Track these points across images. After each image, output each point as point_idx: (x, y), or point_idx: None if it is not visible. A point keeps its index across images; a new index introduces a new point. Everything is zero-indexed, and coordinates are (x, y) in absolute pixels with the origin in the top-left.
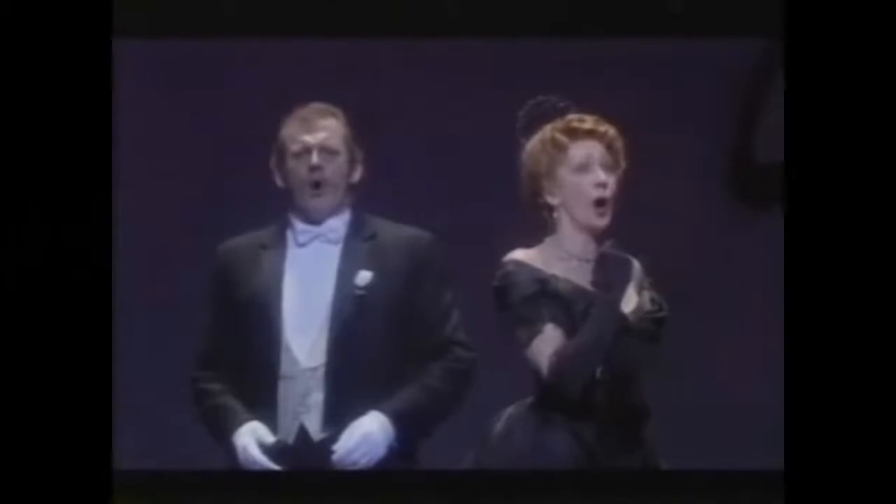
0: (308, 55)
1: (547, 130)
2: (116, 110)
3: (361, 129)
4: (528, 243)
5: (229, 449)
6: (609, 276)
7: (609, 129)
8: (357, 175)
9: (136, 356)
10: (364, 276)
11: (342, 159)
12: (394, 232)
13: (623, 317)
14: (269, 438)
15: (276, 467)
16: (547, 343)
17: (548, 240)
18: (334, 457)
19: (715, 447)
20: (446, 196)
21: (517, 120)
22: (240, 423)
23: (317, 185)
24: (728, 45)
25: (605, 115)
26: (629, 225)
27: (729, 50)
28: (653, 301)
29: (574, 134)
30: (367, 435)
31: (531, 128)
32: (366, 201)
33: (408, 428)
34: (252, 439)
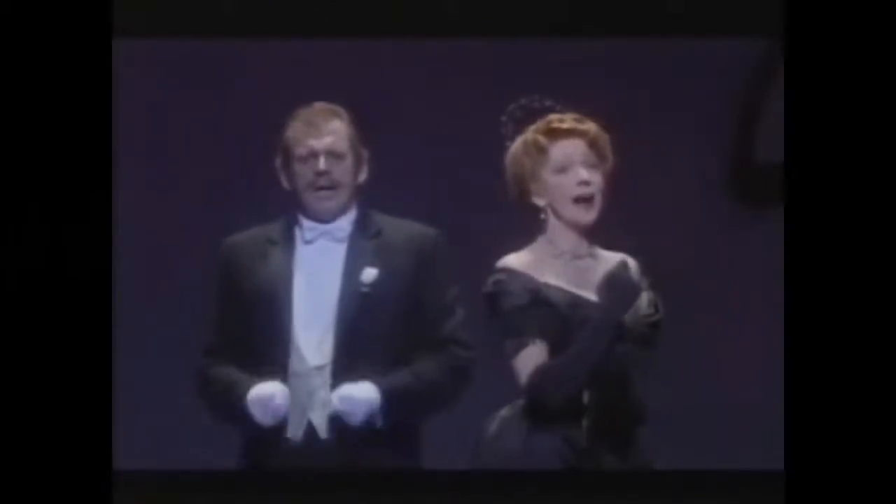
0: (308, 55)
1: (528, 132)
2: (116, 110)
3: (362, 129)
4: (526, 243)
5: (245, 415)
6: (613, 298)
7: (591, 127)
8: (363, 175)
9: (136, 356)
10: (369, 273)
11: (348, 162)
12: (399, 228)
13: (619, 324)
14: (285, 391)
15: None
16: (530, 358)
17: (540, 238)
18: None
19: (715, 447)
20: (447, 196)
21: (501, 124)
22: (251, 385)
23: (324, 189)
24: (728, 45)
25: (605, 116)
26: (629, 225)
27: (729, 50)
28: (649, 303)
29: (554, 134)
30: (351, 396)
31: (516, 130)
32: (370, 199)
33: (395, 407)
34: (268, 390)
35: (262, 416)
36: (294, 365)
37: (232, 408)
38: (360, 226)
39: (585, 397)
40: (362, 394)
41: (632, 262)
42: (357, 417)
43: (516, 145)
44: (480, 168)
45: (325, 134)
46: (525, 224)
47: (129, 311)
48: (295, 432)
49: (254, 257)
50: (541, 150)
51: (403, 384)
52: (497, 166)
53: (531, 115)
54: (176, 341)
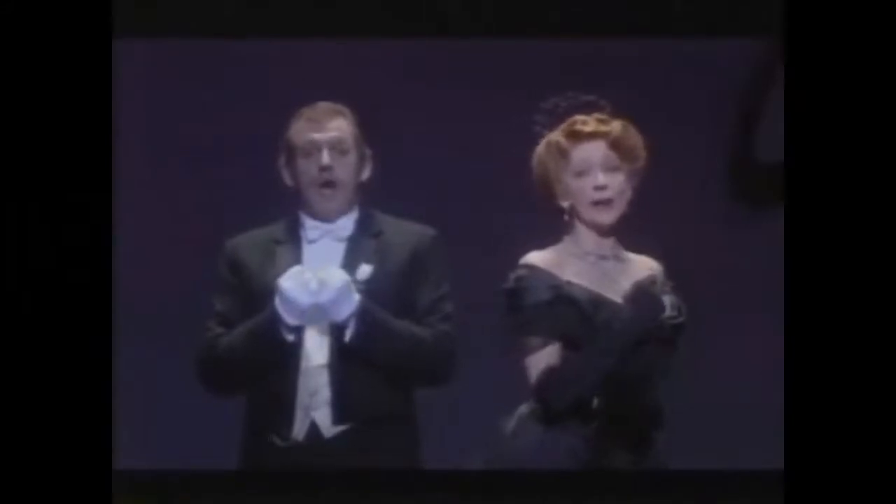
0: (308, 55)
1: (554, 134)
2: (116, 110)
3: (365, 129)
4: (532, 242)
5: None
6: (638, 312)
7: (613, 128)
8: (366, 174)
9: (136, 356)
10: (364, 271)
11: (352, 158)
12: (399, 229)
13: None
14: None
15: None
16: (544, 357)
17: (566, 238)
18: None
19: (715, 447)
20: (448, 196)
21: (537, 115)
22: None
23: (327, 184)
24: (728, 45)
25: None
26: (629, 225)
27: (729, 50)
28: (672, 306)
29: (576, 137)
30: (331, 272)
31: (552, 125)
32: (372, 198)
33: (368, 322)
34: (293, 269)
35: (296, 293)
36: (299, 363)
37: (257, 338)
38: (362, 225)
39: (595, 402)
40: (343, 278)
41: (658, 273)
42: (330, 292)
43: (541, 147)
44: (482, 168)
45: (328, 129)
46: (545, 225)
47: (129, 311)
48: (297, 432)
49: (260, 257)
50: (563, 153)
51: (384, 316)
52: (499, 166)
53: (566, 113)
54: (176, 341)
